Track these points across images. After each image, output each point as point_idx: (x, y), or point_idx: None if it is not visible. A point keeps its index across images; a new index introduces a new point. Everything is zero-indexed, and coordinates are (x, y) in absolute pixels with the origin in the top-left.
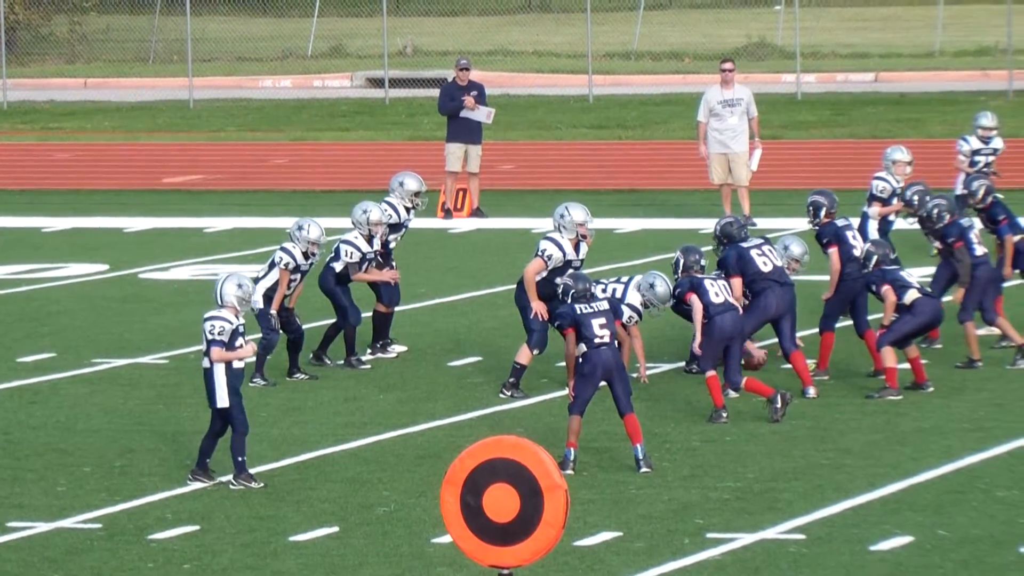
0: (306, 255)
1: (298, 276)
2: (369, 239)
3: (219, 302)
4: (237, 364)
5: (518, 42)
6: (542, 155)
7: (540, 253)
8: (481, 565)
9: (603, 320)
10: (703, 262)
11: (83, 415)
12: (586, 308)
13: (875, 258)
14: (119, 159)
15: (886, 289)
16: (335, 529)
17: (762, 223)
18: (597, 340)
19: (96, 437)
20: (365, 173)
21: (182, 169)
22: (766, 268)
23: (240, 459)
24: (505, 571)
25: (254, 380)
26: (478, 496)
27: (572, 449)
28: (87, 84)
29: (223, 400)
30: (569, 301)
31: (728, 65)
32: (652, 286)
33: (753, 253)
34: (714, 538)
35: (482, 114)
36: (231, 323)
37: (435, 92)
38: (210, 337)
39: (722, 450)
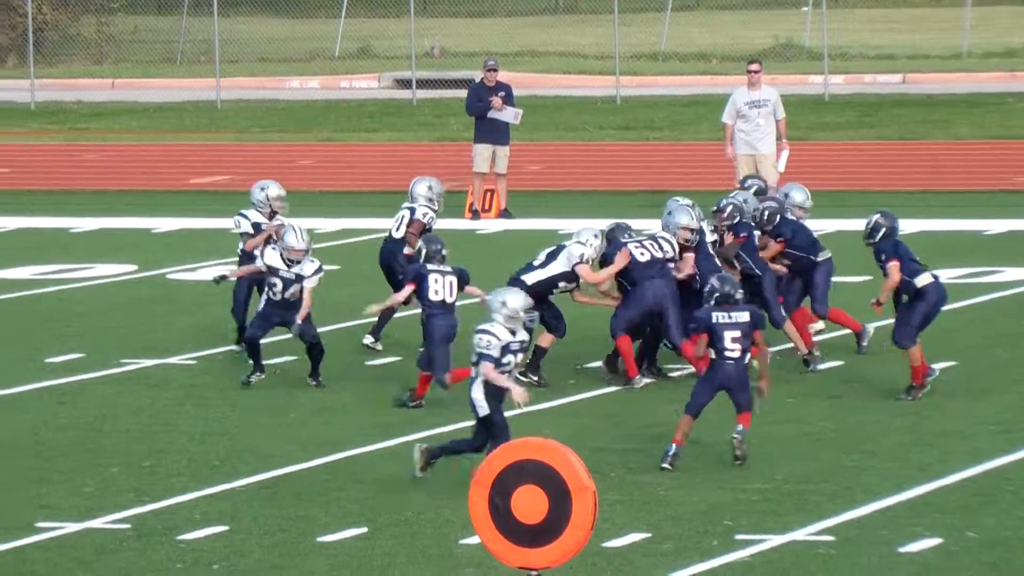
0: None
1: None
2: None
3: (495, 316)
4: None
5: (545, 43)
6: (569, 156)
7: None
8: (510, 566)
9: (737, 334)
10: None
11: (111, 415)
12: (724, 318)
13: (883, 230)
14: (146, 160)
15: (893, 265)
16: (364, 530)
17: None
18: (727, 353)
19: (124, 437)
20: (392, 174)
21: (209, 170)
22: (643, 259)
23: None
24: (533, 572)
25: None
26: (506, 497)
27: (676, 445)
28: (114, 85)
29: (483, 408)
30: (712, 303)
31: (755, 66)
32: (671, 213)
33: (631, 246)
34: (743, 539)
35: (509, 115)
36: (499, 339)
37: (462, 93)
38: (478, 351)
39: (751, 452)
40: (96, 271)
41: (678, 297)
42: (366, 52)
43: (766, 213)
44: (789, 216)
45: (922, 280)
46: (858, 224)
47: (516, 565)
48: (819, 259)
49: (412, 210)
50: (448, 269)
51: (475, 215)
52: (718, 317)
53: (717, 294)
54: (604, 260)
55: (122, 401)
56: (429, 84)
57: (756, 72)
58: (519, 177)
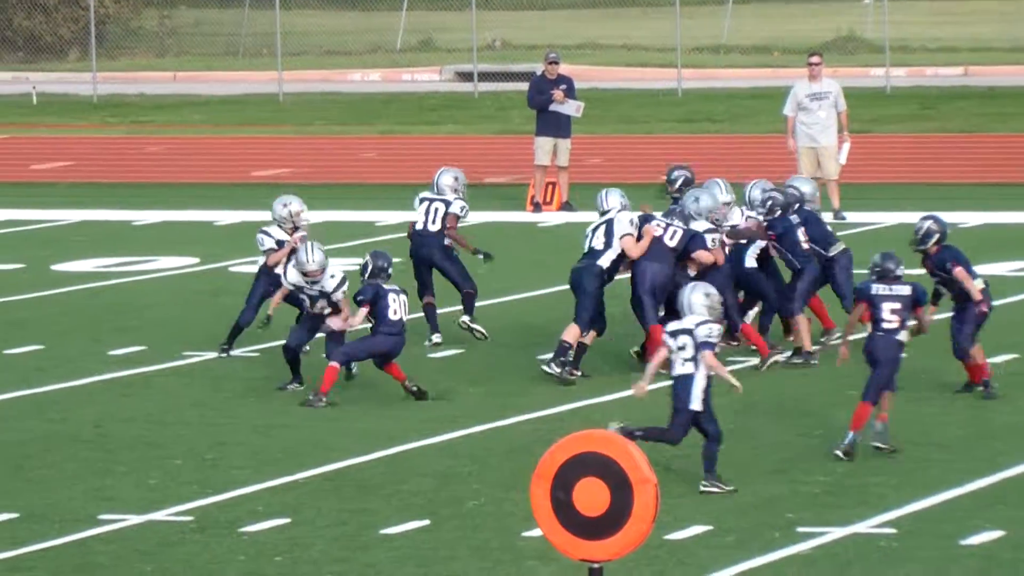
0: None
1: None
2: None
3: (699, 310)
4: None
5: (607, 36)
6: (630, 149)
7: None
8: (571, 559)
9: (897, 306)
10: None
11: (174, 408)
12: (884, 290)
13: (936, 236)
14: (208, 153)
15: (960, 271)
16: (426, 522)
17: (851, 217)
18: (884, 324)
19: (187, 430)
20: (455, 166)
21: (271, 163)
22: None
23: (711, 463)
24: (595, 565)
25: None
26: (568, 490)
27: (853, 432)
28: (176, 78)
29: (697, 403)
30: (873, 279)
31: (816, 59)
32: (697, 199)
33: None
34: (804, 532)
35: (571, 108)
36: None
37: (524, 86)
38: (703, 339)
39: (811, 444)
40: (158, 264)
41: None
42: (428, 45)
43: (768, 203)
44: (807, 208)
45: (978, 284)
46: (917, 217)
47: (578, 558)
48: (831, 253)
49: (447, 203)
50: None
51: (536, 208)
52: (878, 289)
53: (878, 268)
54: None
55: (185, 394)
56: (491, 77)
57: (817, 64)
58: (580, 170)
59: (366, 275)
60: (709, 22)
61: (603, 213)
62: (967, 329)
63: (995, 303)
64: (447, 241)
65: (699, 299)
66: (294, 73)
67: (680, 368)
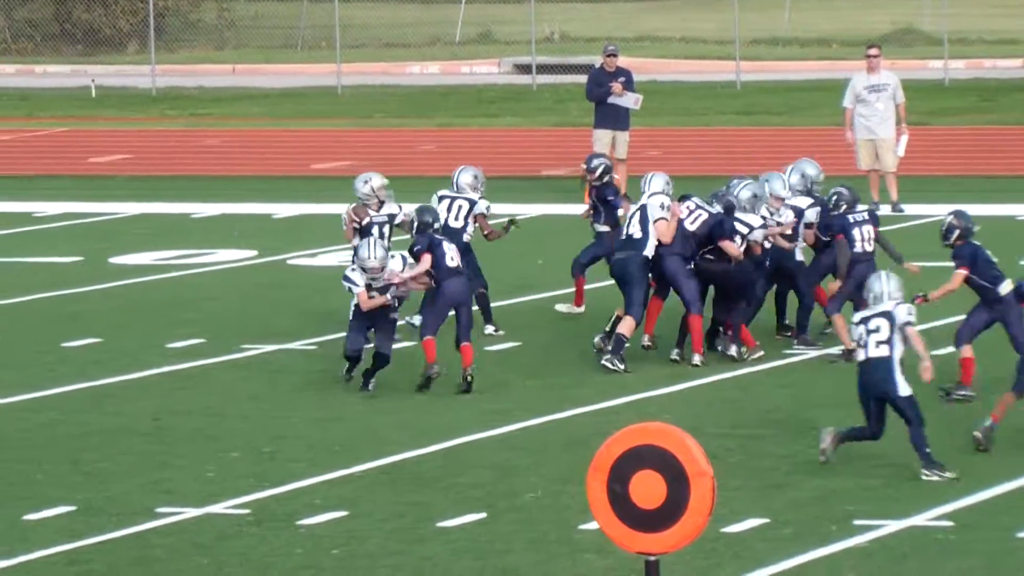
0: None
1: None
2: None
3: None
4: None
5: (665, 28)
6: (688, 141)
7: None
8: (628, 552)
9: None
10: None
11: (232, 401)
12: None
13: (957, 232)
14: (267, 145)
15: (959, 273)
16: (483, 515)
17: (909, 209)
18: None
19: (245, 423)
20: (513, 159)
21: (330, 155)
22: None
23: (926, 451)
24: (652, 557)
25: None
26: (624, 483)
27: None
28: (235, 70)
29: (905, 388)
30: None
31: (874, 51)
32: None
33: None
34: (861, 525)
35: (630, 100)
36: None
37: (582, 78)
38: (907, 319)
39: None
40: (217, 256)
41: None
42: (486, 37)
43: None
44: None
45: (1005, 288)
46: (975, 209)
47: (634, 550)
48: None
49: (471, 201)
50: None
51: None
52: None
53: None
54: None
55: (243, 387)
56: (549, 69)
57: (875, 56)
58: (639, 162)
59: (413, 231)
60: (768, 14)
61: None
62: (974, 325)
63: None
64: (465, 238)
65: (896, 285)
66: (352, 66)
67: (875, 351)
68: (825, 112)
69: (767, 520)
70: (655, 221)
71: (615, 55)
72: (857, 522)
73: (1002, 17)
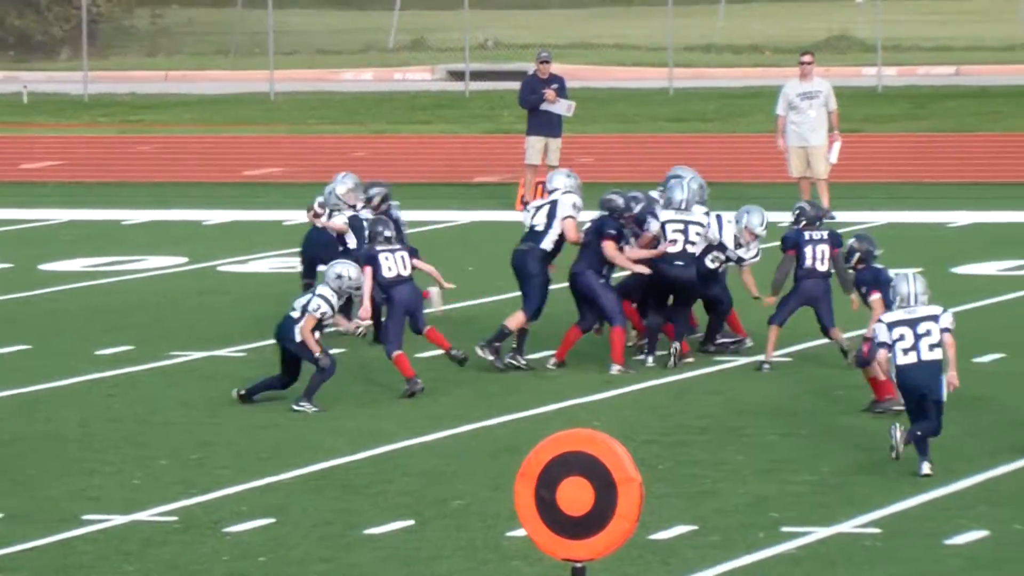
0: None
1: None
2: None
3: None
4: None
5: (599, 35)
6: (622, 148)
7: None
8: (555, 559)
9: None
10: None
11: (160, 408)
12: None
13: (857, 255)
14: (199, 152)
15: (876, 299)
16: (411, 522)
17: (841, 216)
18: None
19: (173, 430)
20: (446, 166)
21: (262, 162)
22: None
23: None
24: (579, 564)
25: (300, 405)
26: (552, 489)
27: None
28: (168, 77)
29: (945, 393)
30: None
31: (807, 58)
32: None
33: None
34: (789, 532)
35: (563, 107)
36: None
37: (516, 85)
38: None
39: (799, 444)
40: (147, 263)
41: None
42: (420, 44)
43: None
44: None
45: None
46: (908, 216)
47: (561, 557)
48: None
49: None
50: (396, 247)
51: (526, 207)
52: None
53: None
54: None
55: (171, 394)
56: (482, 76)
57: (808, 63)
58: (572, 169)
59: (366, 240)
60: (702, 21)
61: (550, 193)
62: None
63: (984, 302)
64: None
65: (923, 286)
66: (286, 72)
67: (928, 354)
68: (758, 119)
69: (695, 527)
70: (564, 218)
71: (548, 62)
72: (785, 529)
73: (936, 24)
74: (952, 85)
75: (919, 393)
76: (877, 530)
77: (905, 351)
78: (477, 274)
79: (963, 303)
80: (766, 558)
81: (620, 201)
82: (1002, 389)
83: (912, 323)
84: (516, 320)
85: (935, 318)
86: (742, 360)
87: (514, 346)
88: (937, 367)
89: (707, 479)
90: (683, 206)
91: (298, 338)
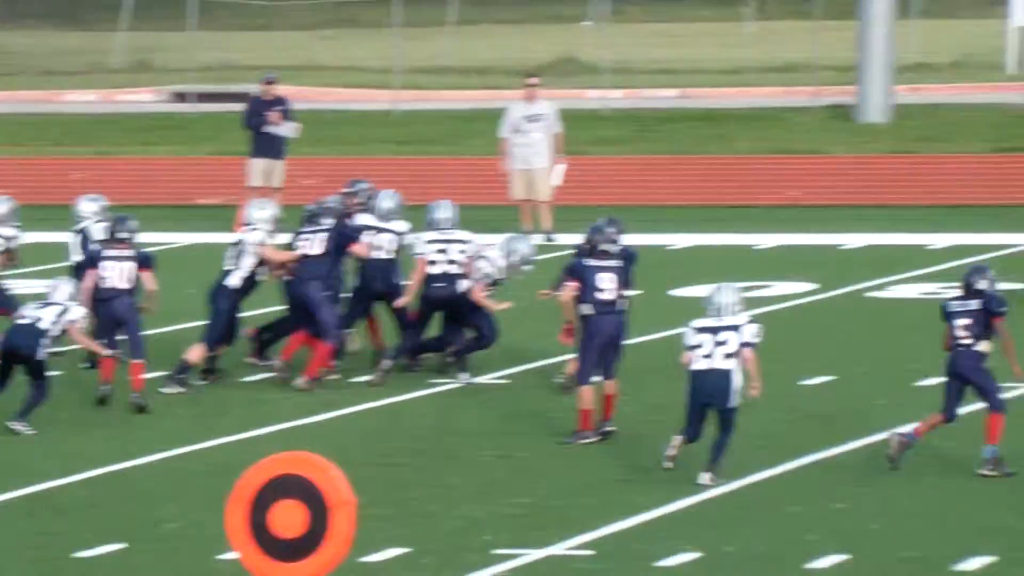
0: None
1: None
2: None
3: None
4: None
5: (327, 57)
6: (345, 170)
7: None
8: None
9: (968, 321)
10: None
11: None
12: (957, 306)
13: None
14: None
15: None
16: (123, 545)
17: (563, 239)
18: (960, 342)
19: None
20: (168, 187)
21: None
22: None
23: (721, 458)
24: None
25: (14, 424)
26: (264, 512)
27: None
28: None
29: (736, 401)
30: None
31: (532, 80)
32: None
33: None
34: (501, 554)
35: (287, 129)
36: None
37: (242, 107)
38: (753, 339)
39: (515, 466)
40: None
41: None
42: (145, 65)
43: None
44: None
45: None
46: (629, 239)
47: None
48: None
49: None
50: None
51: None
52: (952, 306)
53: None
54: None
55: None
56: (209, 97)
57: (533, 86)
58: (294, 191)
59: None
60: (429, 43)
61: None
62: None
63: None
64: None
65: (735, 298)
66: (8, 93)
67: (721, 362)
68: (484, 142)
69: (409, 549)
70: (255, 252)
71: (273, 83)
72: (497, 551)
73: (661, 47)
74: (676, 107)
75: (704, 399)
76: (590, 552)
77: (702, 357)
78: (198, 296)
79: (680, 326)
80: None
81: (338, 205)
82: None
83: (714, 331)
84: (196, 353)
85: (737, 329)
86: (456, 383)
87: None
88: (728, 376)
89: (420, 500)
90: (387, 216)
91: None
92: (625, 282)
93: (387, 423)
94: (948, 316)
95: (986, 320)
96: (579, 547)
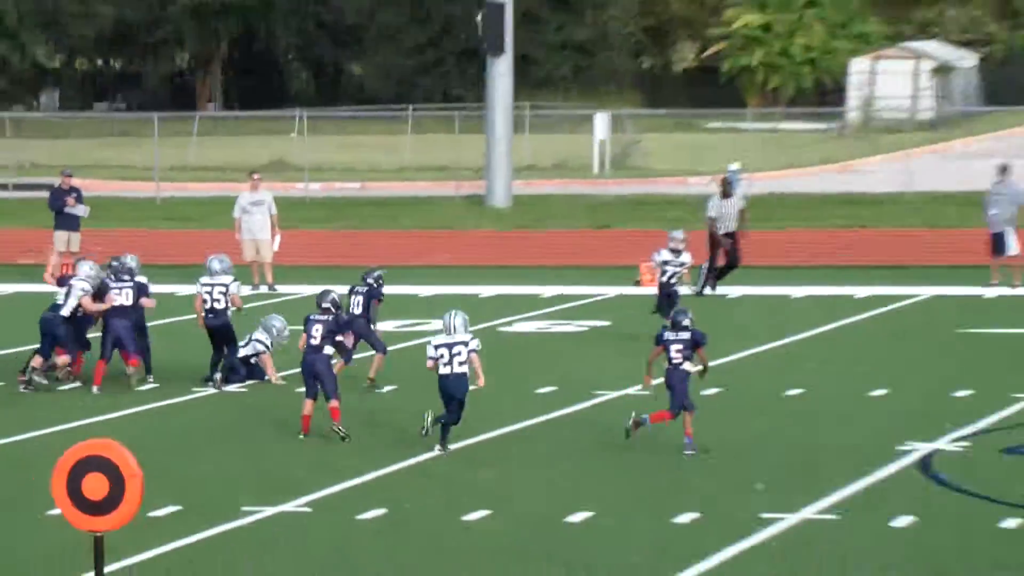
0: None
1: None
2: None
3: None
4: None
5: (108, 158)
6: (127, 239)
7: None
8: (80, 529)
9: (680, 346)
10: None
11: None
12: (671, 336)
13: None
14: None
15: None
16: None
17: (282, 288)
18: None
19: None
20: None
21: None
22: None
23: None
24: (98, 533)
25: None
26: (79, 481)
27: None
28: None
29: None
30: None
31: (256, 176)
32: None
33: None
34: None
35: (80, 210)
36: None
37: (46, 194)
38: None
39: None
40: None
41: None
42: None
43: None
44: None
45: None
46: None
47: (85, 528)
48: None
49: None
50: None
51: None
52: (668, 335)
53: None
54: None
55: None
56: (22, 187)
57: (257, 179)
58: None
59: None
60: (181, 150)
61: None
62: None
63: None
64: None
65: (461, 321)
66: None
67: (458, 368)
68: (225, 219)
69: (180, 507)
70: (80, 297)
71: (70, 176)
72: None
73: (347, 153)
74: (360, 196)
75: (449, 395)
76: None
77: (444, 365)
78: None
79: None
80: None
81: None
82: (393, 413)
83: (450, 346)
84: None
85: (466, 343)
86: (211, 390)
87: None
88: (464, 377)
89: (190, 474)
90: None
91: None
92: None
93: (157, 421)
94: (664, 342)
95: (693, 347)
96: (301, 505)
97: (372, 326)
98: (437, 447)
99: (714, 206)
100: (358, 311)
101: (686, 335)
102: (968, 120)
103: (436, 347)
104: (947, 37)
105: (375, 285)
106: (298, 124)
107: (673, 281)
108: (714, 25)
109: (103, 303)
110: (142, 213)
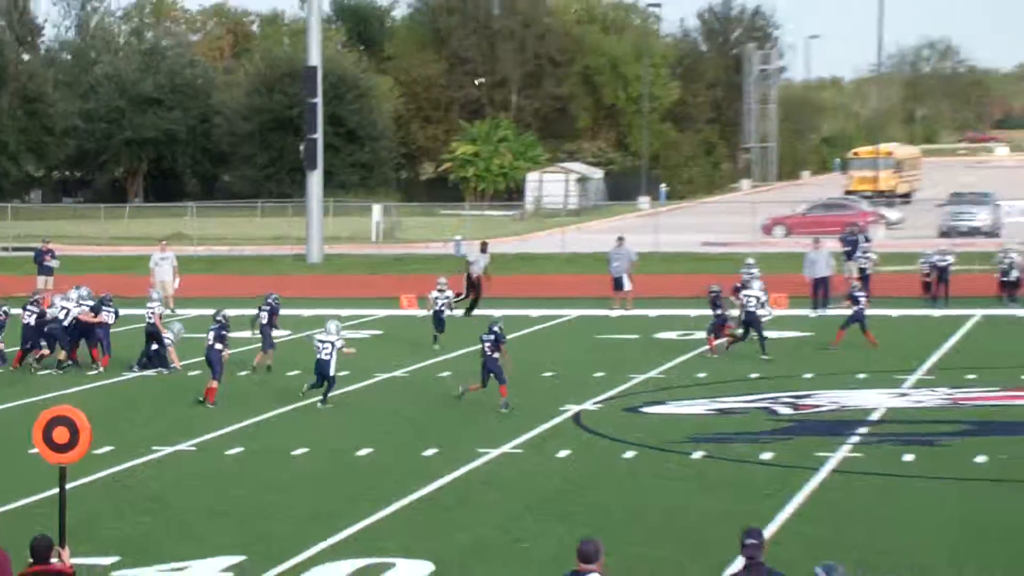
0: None
1: None
2: None
3: None
4: None
5: (72, 230)
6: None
7: None
8: (50, 462)
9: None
10: None
11: None
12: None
13: None
14: None
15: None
16: None
17: (180, 311)
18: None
19: None
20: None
21: None
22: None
23: (327, 396)
24: (62, 465)
25: None
26: (51, 431)
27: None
28: None
29: (333, 372)
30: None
31: (164, 242)
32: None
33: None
34: None
35: (54, 263)
36: None
37: (33, 252)
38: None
39: None
40: None
41: None
42: None
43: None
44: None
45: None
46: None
47: (53, 462)
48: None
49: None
50: None
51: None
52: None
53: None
54: None
55: None
56: (17, 249)
57: (164, 244)
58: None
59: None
60: (121, 222)
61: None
62: None
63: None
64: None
65: (334, 327)
66: None
67: (324, 356)
68: (144, 269)
69: (112, 448)
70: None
71: (48, 241)
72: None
73: (221, 227)
74: (229, 255)
75: (321, 374)
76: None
77: (321, 352)
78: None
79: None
80: None
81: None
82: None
83: (323, 341)
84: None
85: (333, 342)
86: (132, 375)
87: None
88: (329, 362)
89: (123, 428)
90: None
91: None
92: None
93: (102, 393)
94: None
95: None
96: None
97: (273, 329)
98: (319, 403)
99: (474, 256)
100: (264, 322)
101: (492, 336)
102: (598, 209)
103: (318, 340)
104: (585, 159)
105: (274, 304)
106: (190, 211)
107: (442, 309)
108: (444, 152)
109: (97, 318)
110: (94, 265)
